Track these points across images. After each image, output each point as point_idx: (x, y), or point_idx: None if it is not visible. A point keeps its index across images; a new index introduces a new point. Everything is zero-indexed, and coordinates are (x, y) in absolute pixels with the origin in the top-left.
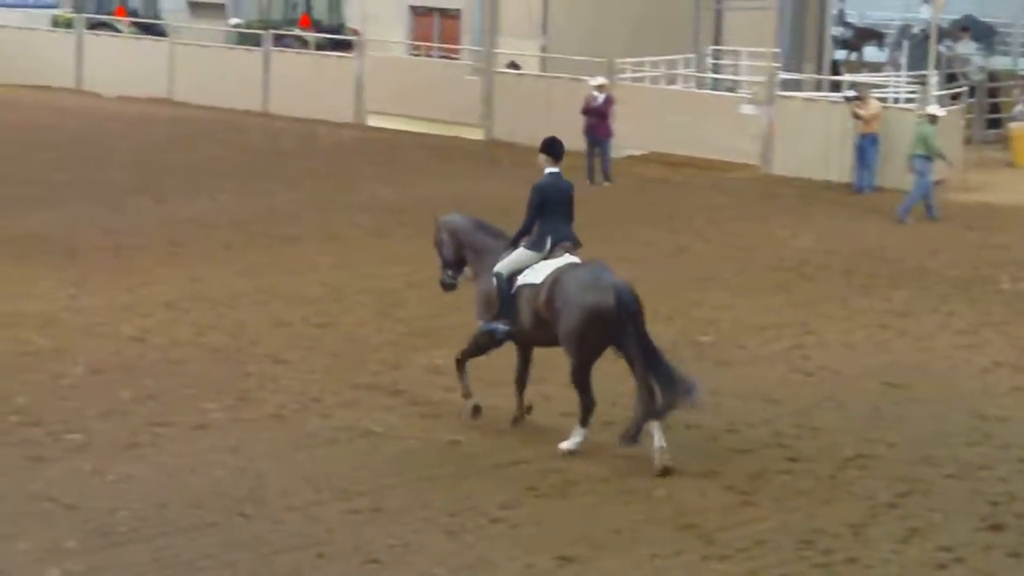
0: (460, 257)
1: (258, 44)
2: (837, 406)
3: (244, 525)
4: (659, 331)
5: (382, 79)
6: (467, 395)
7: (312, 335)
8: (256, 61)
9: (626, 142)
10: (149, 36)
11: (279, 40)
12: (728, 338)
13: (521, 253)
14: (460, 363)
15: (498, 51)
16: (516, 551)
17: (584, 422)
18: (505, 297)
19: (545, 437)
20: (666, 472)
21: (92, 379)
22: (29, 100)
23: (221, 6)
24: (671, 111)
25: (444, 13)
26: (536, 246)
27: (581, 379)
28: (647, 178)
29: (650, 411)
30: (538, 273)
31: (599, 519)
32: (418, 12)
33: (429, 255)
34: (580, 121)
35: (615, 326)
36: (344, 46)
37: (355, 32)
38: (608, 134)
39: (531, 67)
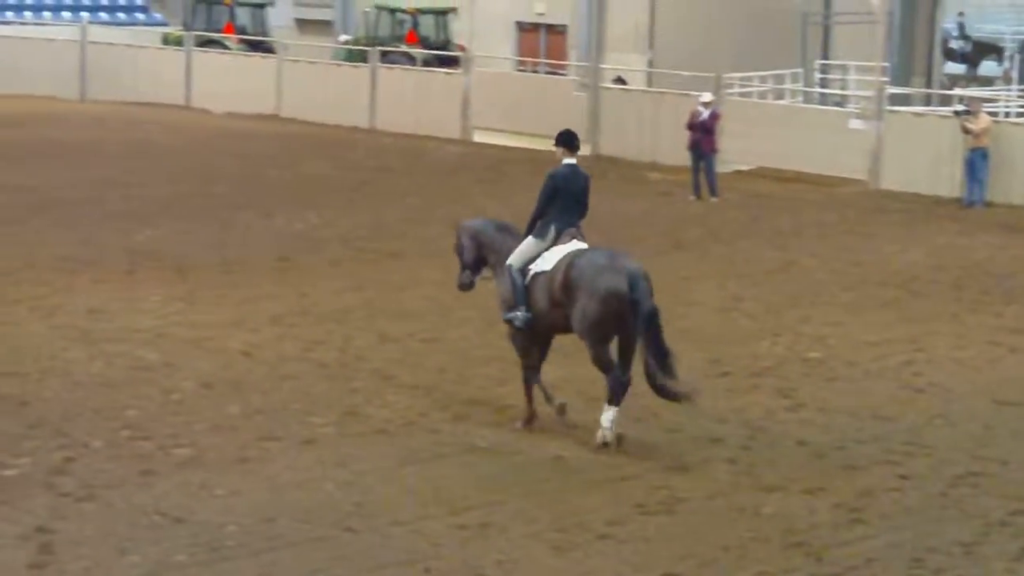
0: (480, 258)
1: (365, 61)
2: (948, 423)
3: (351, 540)
4: (766, 348)
5: (488, 95)
6: (549, 399)
7: (418, 350)
8: (363, 77)
9: (733, 157)
10: (257, 53)
11: (386, 56)
12: (837, 355)
13: (528, 243)
14: (526, 379)
15: (604, 66)
16: (623, 568)
17: (614, 400)
18: (519, 287)
19: (652, 453)
20: (605, 446)
21: (201, 394)
22: (139, 117)
23: (329, 23)
24: (778, 126)
25: (551, 29)
26: (541, 234)
27: (603, 361)
28: (754, 193)
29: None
30: (549, 260)
31: (706, 536)
32: (524, 28)
33: None
34: (686, 136)
35: (629, 309)
36: (451, 62)
37: (462, 48)
38: (713, 149)
39: (637, 82)
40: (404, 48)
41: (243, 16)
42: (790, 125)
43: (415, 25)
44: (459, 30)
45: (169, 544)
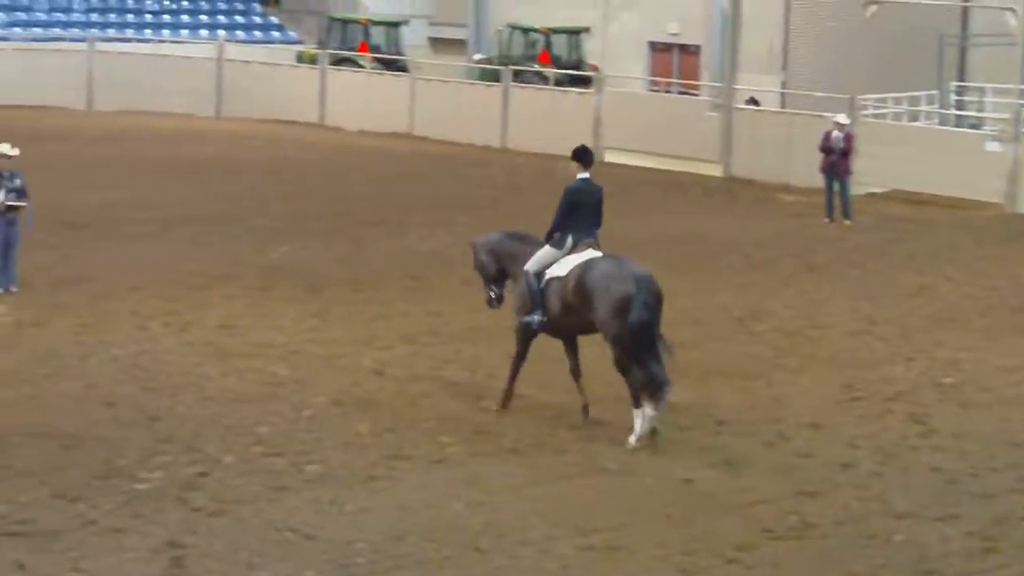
0: (502, 269)
1: (498, 80)
2: None
3: (479, 560)
4: (899, 372)
5: (620, 115)
6: (507, 397)
7: (548, 370)
8: (495, 96)
9: (868, 179)
10: (391, 71)
11: (519, 76)
12: (971, 380)
13: (546, 251)
14: (515, 366)
15: (738, 87)
16: None
17: (638, 403)
18: (535, 291)
19: (782, 478)
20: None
21: (332, 411)
22: (274, 134)
23: (462, 42)
24: (913, 148)
25: (683, 49)
26: (558, 244)
27: (624, 364)
28: (888, 216)
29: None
30: (564, 267)
31: (837, 563)
32: (657, 48)
33: (668, 291)
34: (820, 158)
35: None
36: (583, 82)
37: (594, 68)
38: (848, 171)
39: (770, 103)
40: (537, 67)
41: (377, 35)
42: (925, 147)
43: (548, 44)
44: (592, 50)
45: (298, 560)
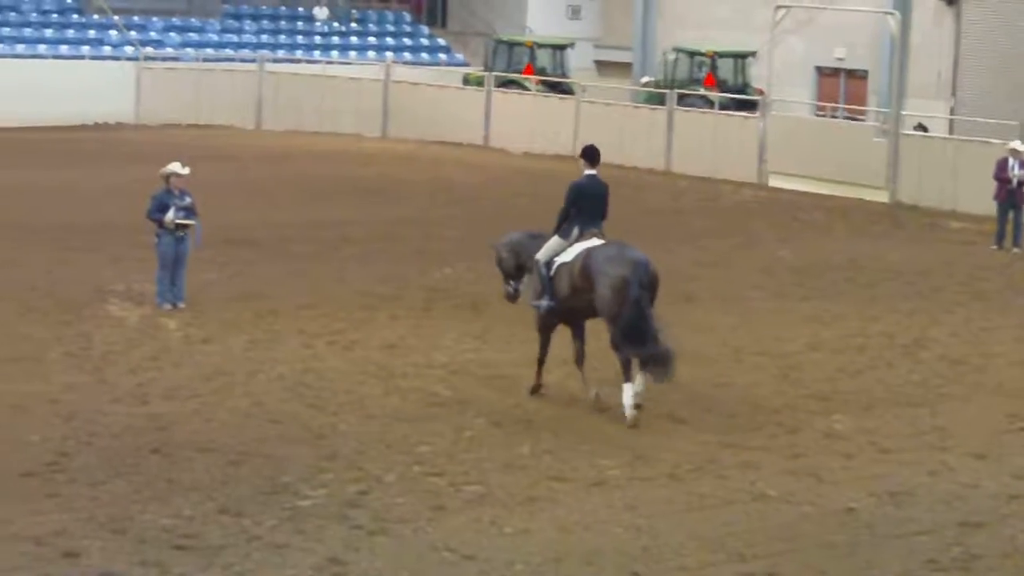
0: (520, 266)
1: (662, 103)
2: None
3: None
4: None
5: (785, 139)
6: (537, 386)
7: (710, 395)
8: (660, 120)
9: None
10: (556, 94)
11: (683, 99)
12: None
13: (554, 241)
14: (541, 355)
15: (906, 112)
16: None
17: (628, 376)
18: (544, 278)
19: (945, 508)
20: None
21: (492, 432)
22: (438, 156)
23: (627, 65)
24: None
25: (851, 74)
26: (565, 234)
27: (618, 342)
28: None
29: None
30: (571, 253)
31: None
32: (824, 72)
33: (831, 318)
34: (992, 186)
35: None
36: (748, 106)
37: (760, 92)
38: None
39: (939, 129)
40: (702, 91)
41: (543, 57)
42: None
43: (714, 68)
44: (757, 74)
45: None
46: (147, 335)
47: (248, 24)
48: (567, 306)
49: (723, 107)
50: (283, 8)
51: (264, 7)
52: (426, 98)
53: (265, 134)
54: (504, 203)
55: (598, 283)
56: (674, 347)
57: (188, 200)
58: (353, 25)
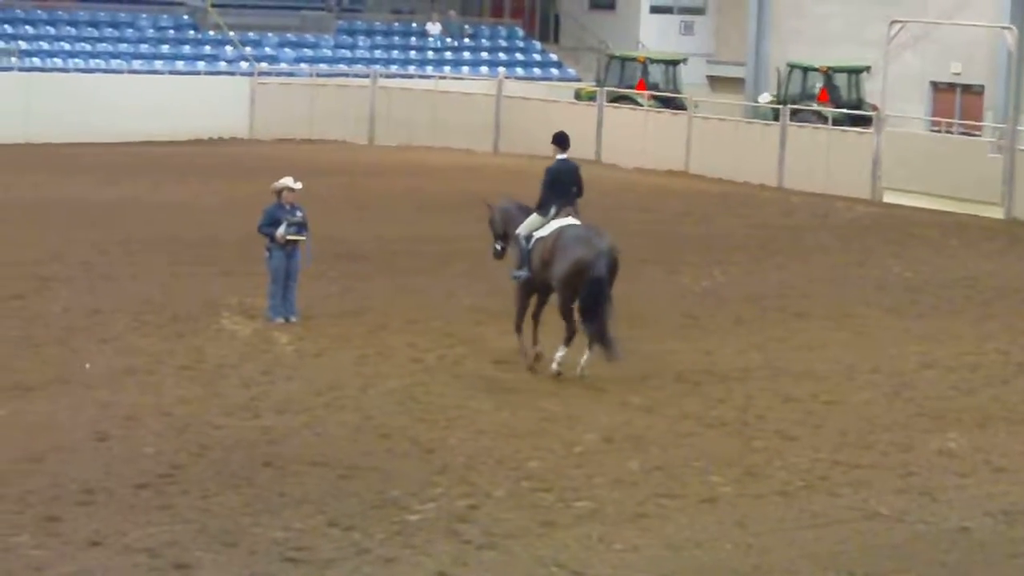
0: (506, 232)
1: (775, 118)
2: None
3: None
4: None
5: (900, 155)
6: (525, 354)
7: (821, 412)
8: (773, 135)
9: None
10: (668, 109)
11: (796, 115)
12: None
13: (533, 217)
14: (517, 326)
15: (1022, 128)
16: None
17: (568, 342)
18: (523, 250)
19: None
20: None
21: (602, 447)
22: None
23: (740, 80)
24: None
25: (966, 89)
26: (542, 211)
27: (566, 311)
28: None
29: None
30: (547, 229)
31: None
32: (939, 88)
33: (945, 335)
34: None
35: (592, 278)
36: (862, 121)
37: (874, 108)
38: None
39: None
40: (815, 107)
41: (656, 73)
42: None
43: (827, 84)
44: (872, 89)
45: None
46: (259, 349)
47: (362, 40)
48: (539, 278)
49: (837, 122)
50: (396, 24)
51: (378, 23)
52: (537, 113)
53: (377, 149)
54: (614, 218)
55: (560, 256)
56: (614, 334)
57: (299, 215)
58: (466, 40)
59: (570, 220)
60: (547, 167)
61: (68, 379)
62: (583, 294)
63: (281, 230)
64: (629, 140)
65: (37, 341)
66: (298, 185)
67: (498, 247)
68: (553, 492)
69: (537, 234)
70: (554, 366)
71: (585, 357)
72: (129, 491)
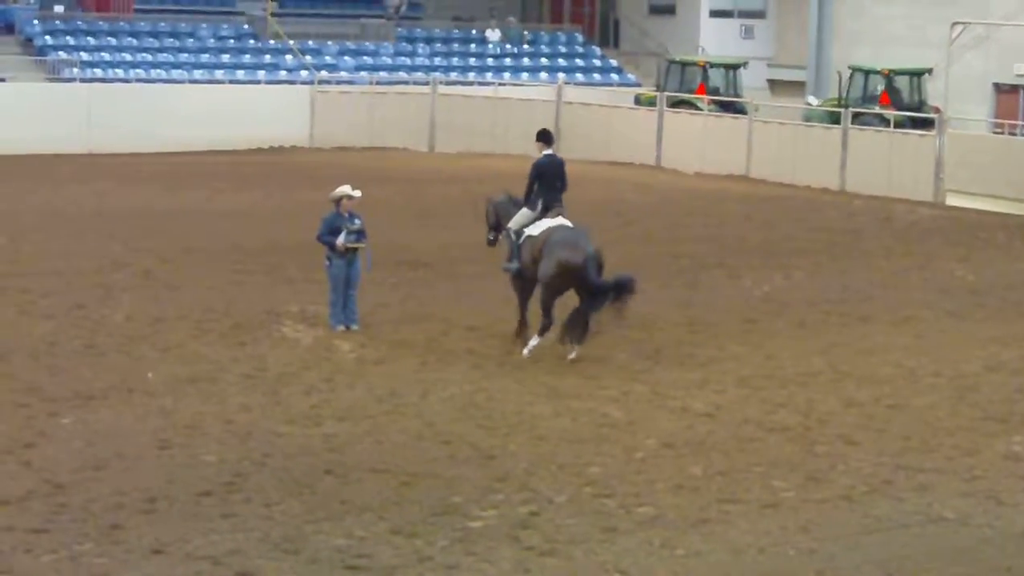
0: (499, 223)
1: (836, 122)
2: None
3: None
4: None
5: (963, 157)
6: (520, 334)
7: (884, 417)
8: (834, 139)
9: None
10: (729, 114)
11: (858, 118)
12: None
13: (523, 213)
14: (520, 313)
15: None
16: None
17: (541, 333)
18: (513, 244)
19: None
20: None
21: (663, 453)
22: (610, 177)
23: (801, 84)
24: None
25: None
26: (532, 207)
27: (547, 307)
28: None
29: (574, 330)
30: (537, 228)
31: None
32: (1002, 89)
33: (1011, 338)
34: None
35: (577, 278)
36: (924, 124)
37: (936, 110)
38: None
39: None
40: (877, 109)
41: (716, 77)
42: None
43: (889, 86)
44: (934, 91)
45: None
46: (320, 356)
47: (421, 47)
48: (528, 273)
49: (899, 125)
50: (456, 31)
51: (437, 30)
52: (598, 119)
53: (437, 156)
54: (676, 223)
55: (548, 256)
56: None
57: (358, 223)
58: (525, 47)
59: (560, 221)
60: (534, 162)
61: (131, 387)
62: (586, 301)
63: (341, 239)
64: (689, 145)
65: (100, 350)
66: (357, 193)
67: (490, 237)
68: (615, 498)
69: (528, 231)
70: (525, 352)
71: (574, 353)
72: (191, 499)
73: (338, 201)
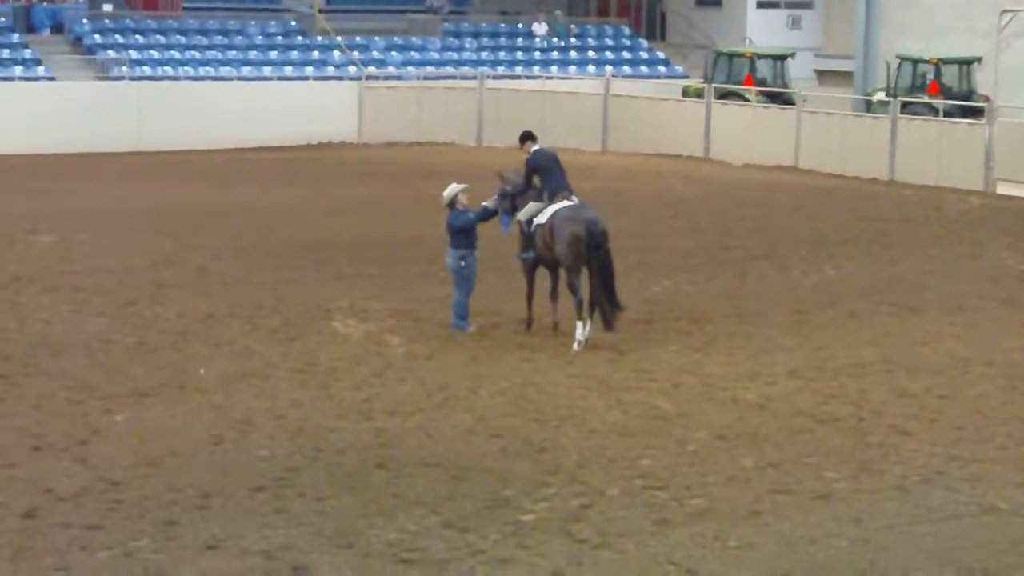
0: (514, 205)
1: (885, 111)
2: None
3: None
4: None
5: (1013, 146)
6: (530, 321)
7: (936, 407)
8: (883, 128)
9: None
10: (776, 104)
11: (907, 107)
12: None
13: (531, 205)
14: (528, 297)
15: None
16: None
17: (580, 316)
18: (527, 234)
19: None
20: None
21: (715, 445)
22: (659, 168)
23: (849, 74)
24: None
25: None
26: (539, 198)
27: (573, 284)
28: None
29: (593, 305)
30: (545, 215)
31: None
32: None
33: None
34: None
35: (585, 247)
36: (974, 113)
37: (986, 99)
38: None
39: None
40: (926, 99)
41: (763, 68)
42: None
43: (938, 75)
44: (983, 80)
45: None
46: (371, 351)
47: (468, 42)
48: (546, 260)
49: (948, 114)
50: (503, 25)
51: (484, 24)
52: (646, 111)
53: (486, 150)
54: (725, 214)
55: (558, 237)
56: (622, 304)
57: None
58: (572, 40)
59: (564, 203)
60: (527, 159)
61: (183, 384)
62: (590, 262)
63: (492, 204)
64: (738, 136)
65: (152, 346)
66: (465, 186)
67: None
68: (667, 490)
69: (537, 220)
70: (575, 345)
71: (580, 330)
72: (245, 495)
73: (452, 202)
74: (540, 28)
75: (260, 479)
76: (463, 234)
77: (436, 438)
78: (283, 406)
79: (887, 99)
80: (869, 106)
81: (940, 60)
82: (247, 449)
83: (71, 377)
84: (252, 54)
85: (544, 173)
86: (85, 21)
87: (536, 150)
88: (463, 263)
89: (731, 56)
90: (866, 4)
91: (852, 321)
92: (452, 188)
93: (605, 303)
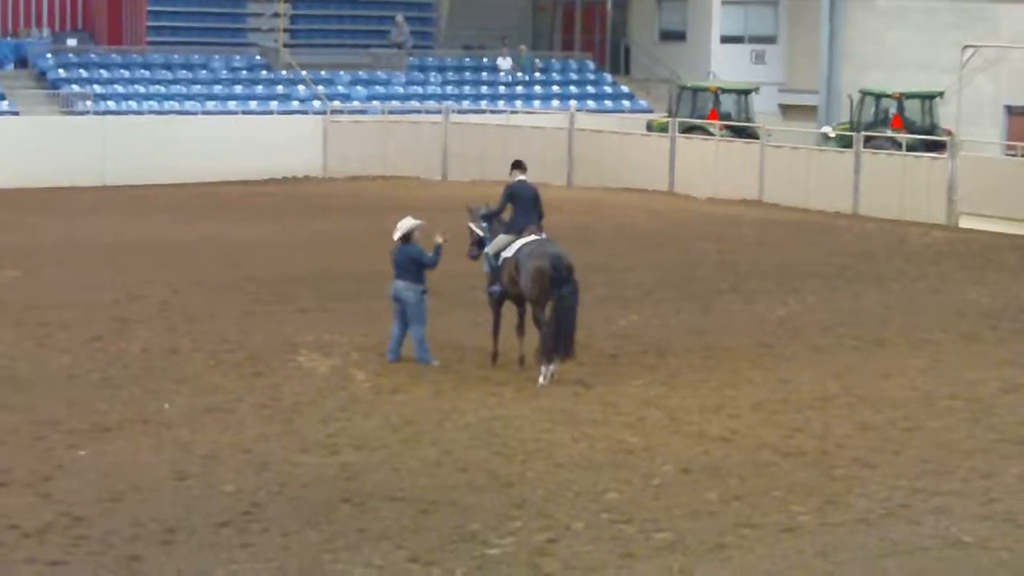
0: (481, 240)
1: (848, 146)
2: None
3: None
4: None
5: (976, 180)
6: (495, 355)
7: (901, 440)
8: (847, 162)
9: None
10: (741, 139)
11: (870, 141)
12: None
13: (500, 237)
14: (494, 330)
15: None
16: None
17: (545, 352)
18: (493, 268)
19: None
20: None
21: (680, 478)
22: (624, 203)
23: (812, 108)
24: None
25: None
26: (509, 230)
27: (539, 319)
28: None
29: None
30: (512, 249)
31: None
32: (1014, 112)
33: None
34: None
35: (550, 281)
36: (936, 147)
37: (948, 132)
38: None
39: None
40: (889, 133)
41: (728, 102)
42: None
43: (901, 110)
44: (946, 114)
45: None
46: (336, 386)
47: (433, 76)
48: (511, 294)
49: (911, 148)
50: (467, 59)
51: (448, 59)
52: (610, 145)
53: (451, 184)
54: (690, 248)
55: (523, 271)
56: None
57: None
58: (536, 74)
59: (531, 237)
60: (507, 184)
61: (147, 419)
62: (556, 301)
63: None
64: (702, 170)
65: (116, 382)
66: (421, 222)
67: (473, 252)
68: (633, 524)
69: (505, 254)
70: (541, 380)
71: (546, 368)
72: (209, 530)
73: (408, 236)
74: (504, 63)
75: (225, 514)
76: (419, 268)
77: (402, 472)
78: (248, 441)
79: (831, 136)
80: (823, 140)
81: (903, 94)
82: (212, 484)
83: (35, 412)
84: (217, 88)
85: (518, 204)
86: (49, 56)
87: (520, 180)
88: (425, 296)
89: (695, 90)
90: (829, 39)
91: (816, 354)
92: (409, 222)
93: (555, 348)
